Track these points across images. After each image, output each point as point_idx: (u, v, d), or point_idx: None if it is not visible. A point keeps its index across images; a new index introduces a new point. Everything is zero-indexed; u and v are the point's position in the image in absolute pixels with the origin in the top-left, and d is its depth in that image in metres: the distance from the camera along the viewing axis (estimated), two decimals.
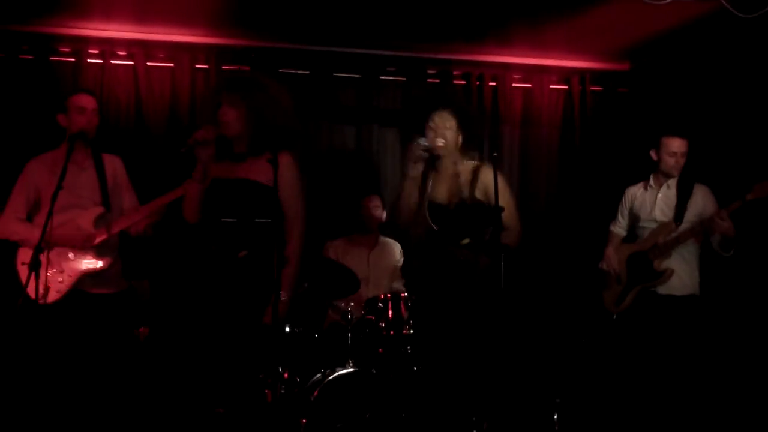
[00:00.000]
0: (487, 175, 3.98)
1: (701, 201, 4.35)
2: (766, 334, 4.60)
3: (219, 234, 3.63)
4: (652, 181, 4.50)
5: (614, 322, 4.46)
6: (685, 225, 4.30)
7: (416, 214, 4.02)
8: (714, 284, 4.48)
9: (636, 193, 4.56)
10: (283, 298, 3.41)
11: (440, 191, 4.00)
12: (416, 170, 4.00)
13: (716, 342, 4.61)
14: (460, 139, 4.03)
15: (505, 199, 3.88)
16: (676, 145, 4.37)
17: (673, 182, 4.43)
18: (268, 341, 3.32)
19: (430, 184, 4.02)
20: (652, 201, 4.46)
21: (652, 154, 4.44)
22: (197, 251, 3.76)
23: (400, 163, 5.51)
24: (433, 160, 4.02)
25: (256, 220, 3.48)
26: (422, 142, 3.95)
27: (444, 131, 3.97)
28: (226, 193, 3.64)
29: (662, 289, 4.31)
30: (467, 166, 4.02)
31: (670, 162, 4.38)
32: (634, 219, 4.54)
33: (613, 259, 4.49)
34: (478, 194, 3.95)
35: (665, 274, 4.28)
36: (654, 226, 4.40)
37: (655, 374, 4.22)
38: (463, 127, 4.01)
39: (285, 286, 3.43)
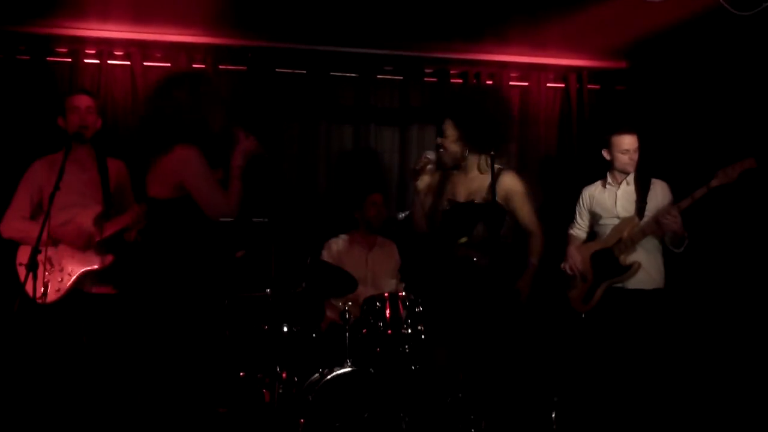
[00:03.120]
0: (507, 180, 4.05)
1: (660, 195, 4.35)
2: (734, 324, 4.66)
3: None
4: (609, 179, 4.49)
5: (583, 322, 4.42)
6: (646, 219, 4.29)
7: (432, 219, 4.13)
8: (678, 276, 4.46)
9: (594, 192, 4.54)
10: None
11: (460, 195, 4.09)
12: (422, 182, 4.15)
13: (686, 334, 4.65)
14: (464, 147, 4.05)
15: (524, 203, 4.07)
16: (627, 142, 4.36)
17: (631, 178, 4.42)
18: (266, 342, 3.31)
19: (447, 190, 4.11)
20: (613, 198, 4.44)
21: (605, 153, 4.44)
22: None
23: (398, 161, 5.54)
24: (444, 169, 4.13)
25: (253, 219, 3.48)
26: (428, 155, 4.08)
27: (445, 142, 4.07)
28: None
29: (630, 284, 4.27)
30: (486, 171, 4.02)
31: (623, 159, 4.37)
32: (593, 218, 4.52)
33: (576, 257, 4.45)
34: (498, 199, 3.96)
35: (633, 268, 4.24)
36: (616, 222, 4.38)
37: (630, 370, 4.19)
38: (466, 136, 4.03)
39: None
